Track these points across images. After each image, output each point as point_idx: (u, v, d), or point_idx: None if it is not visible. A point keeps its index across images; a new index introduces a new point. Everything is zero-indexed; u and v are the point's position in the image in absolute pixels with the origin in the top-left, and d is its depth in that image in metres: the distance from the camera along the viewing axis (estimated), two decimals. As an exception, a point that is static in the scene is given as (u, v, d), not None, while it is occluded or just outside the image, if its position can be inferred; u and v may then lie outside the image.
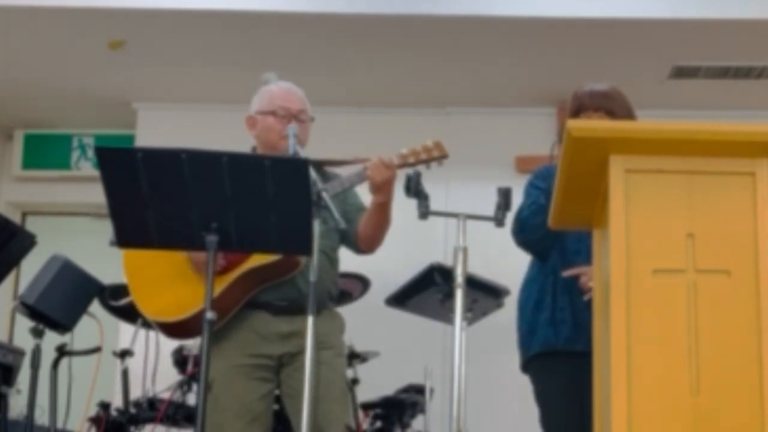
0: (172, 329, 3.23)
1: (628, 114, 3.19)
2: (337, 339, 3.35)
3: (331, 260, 3.36)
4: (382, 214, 3.30)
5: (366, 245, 3.39)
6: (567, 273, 3.15)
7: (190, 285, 3.17)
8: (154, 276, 3.23)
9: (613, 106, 3.17)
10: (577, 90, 3.26)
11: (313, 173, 2.96)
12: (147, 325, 4.36)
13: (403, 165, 3.25)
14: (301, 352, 3.10)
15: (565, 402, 3.07)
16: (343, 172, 3.34)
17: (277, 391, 3.33)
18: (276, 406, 3.43)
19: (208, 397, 3.13)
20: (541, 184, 3.21)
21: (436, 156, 3.29)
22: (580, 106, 3.20)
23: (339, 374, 3.29)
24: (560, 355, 3.17)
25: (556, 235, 3.09)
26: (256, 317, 3.23)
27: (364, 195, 3.38)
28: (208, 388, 3.14)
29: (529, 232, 3.22)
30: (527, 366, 3.39)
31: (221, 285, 3.14)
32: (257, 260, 3.16)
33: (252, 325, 3.23)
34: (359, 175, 3.22)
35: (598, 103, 3.17)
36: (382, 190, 3.22)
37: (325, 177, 3.31)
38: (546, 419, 3.29)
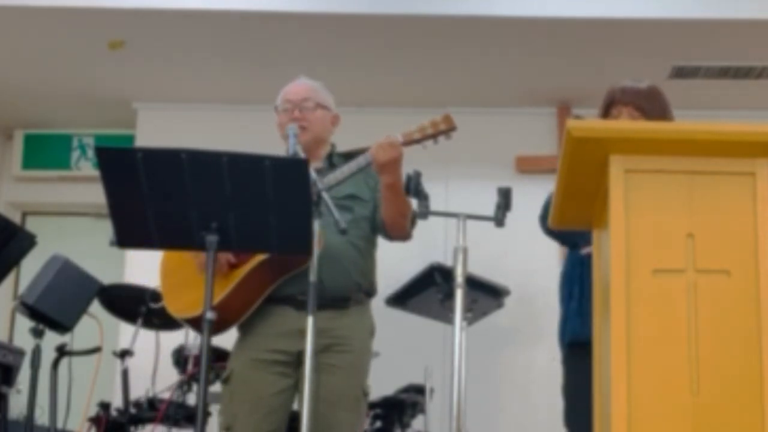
0: (196, 325, 3.25)
1: (662, 114, 3.14)
2: (362, 342, 3.28)
3: (360, 250, 3.30)
4: (393, 194, 3.22)
5: (392, 231, 3.31)
6: (585, 250, 3.09)
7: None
8: (181, 278, 3.28)
9: (644, 103, 3.12)
10: (612, 85, 3.20)
11: (313, 173, 2.95)
12: (147, 325, 4.38)
13: (410, 142, 3.19)
14: (322, 351, 3.07)
15: (589, 396, 3.03)
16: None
17: None
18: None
19: (226, 388, 3.17)
20: None
21: (444, 129, 3.20)
22: (611, 101, 3.17)
23: (356, 381, 3.23)
24: (587, 347, 3.12)
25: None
26: (280, 312, 3.22)
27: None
28: (226, 379, 3.18)
29: None
30: (563, 358, 3.34)
31: (234, 280, 3.17)
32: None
33: (275, 320, 3.22)
34: (366, 157, 3.19)
35: (629, 99, 3.13)
36: (387, 169, 3.16)
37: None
38: (567, 413, 3.25)
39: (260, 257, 3.17)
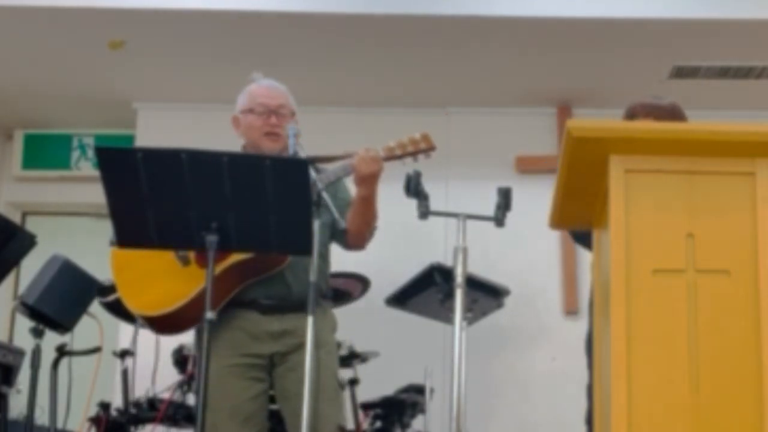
0: (157, 323, 3.23)
1: None
2: (329, 337, 3.34)
3: (322, 256, 3.32)
4: (366, 207, 3.27)
5: (354, 240, 3.36)
6: None
7: (176, 280, 3.17)
8: (141, 272, 3.23)
9: (663, 116, 3.23)
10: (633, 102, 3.34)
11: (313, 173, 2.96)
12: (147, 325, 4.37)
13: (390, 158, 3.23)
14: (292, 351, 3.10)
15: None
16: (330, 166, 3.34)
17: (271, 391, 3.32)
18: (273, 406, 3.43)
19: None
20: None
21: (423, 148, 3.26)
22: (633, 116, 3.27)
23: (331, 373, 3.27)
24: None
25: None
26: (245, 316, 3.22)
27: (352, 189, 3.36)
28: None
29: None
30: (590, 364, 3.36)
31: (204, 280, 3.13)
32: (242, 254, 3.14)
33: (242, 324, 3.22)
34: (344, 167, 3.21)
35: (649, 111, 3.25)
36: (367, 182, 3.20)
37: (318, 172, 3.30)
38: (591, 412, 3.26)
39: (231, 259, 3.15)
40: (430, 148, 3.27)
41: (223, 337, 3.20)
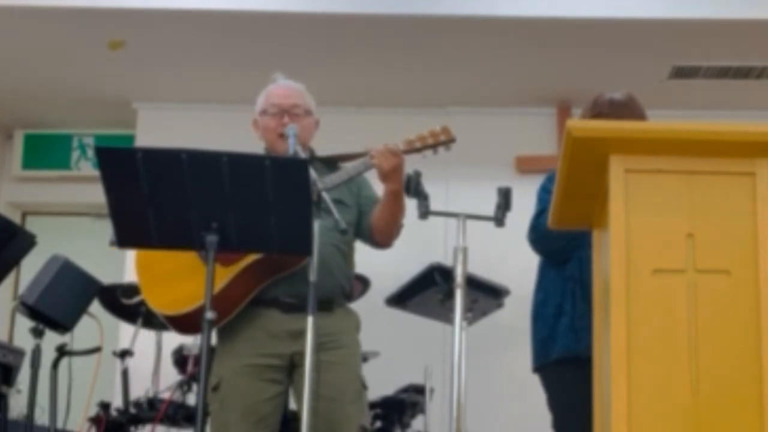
0: (178, 323, 3.22)
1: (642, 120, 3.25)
2: (351, 338, 3.32)
3: (344, 254, 3.32)
4: (395, 202, 3.24)
5: (382, 237, 3.34)
6: None
7: (198, 279, 3.15)
8: (164, 272, 3.23)
9: (630, 116, 3.22)
10: (597, 97, 3.32)
11: (313, 173, 2.95)
12: (147, 325, 4.38)
13: (410, 150, 3.21)
14: (316, 350, 3.08)
15: (584, 408, 3.04)
16: (349, 164, 3.32)
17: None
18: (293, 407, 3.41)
19: (216, 397, 3.14)
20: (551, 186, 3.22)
21: (444, 140, 3.24)
22: (599, 115, 3.26)
23: (354, 374, 3.25)
24: (581, 361, 3.13)
25: (577, 242, 3.08)
26: (266, 315, 3.21)
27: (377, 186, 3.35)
28: (215, 387, 3.16)
29: (552, 242, 3.20)
30: (543, 371, 3.35)
31: (225, 278, 3.12)
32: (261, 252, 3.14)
33: (262, 323, 3.20)
34: (365, 163, 3.19)
35: (617, 113, 3.22)
36: (391, 177, 3.17)
37: (336, 170, 3.28)
38: (563, 426, 3.27)
39: (251, 257, 3.14)
40: (450, 140, 3.24)
41: (244, 336, 3.19)
